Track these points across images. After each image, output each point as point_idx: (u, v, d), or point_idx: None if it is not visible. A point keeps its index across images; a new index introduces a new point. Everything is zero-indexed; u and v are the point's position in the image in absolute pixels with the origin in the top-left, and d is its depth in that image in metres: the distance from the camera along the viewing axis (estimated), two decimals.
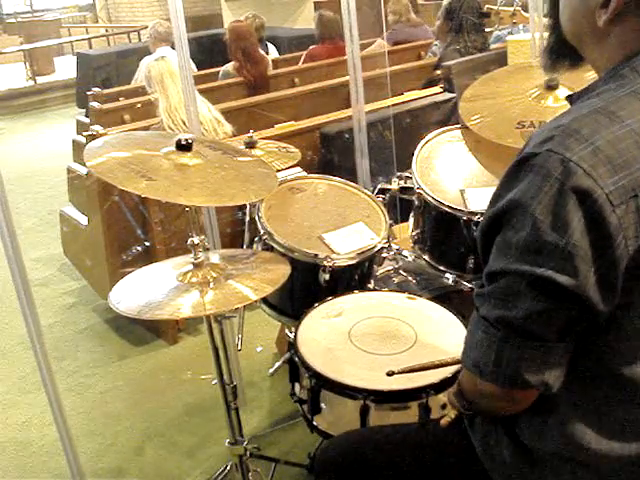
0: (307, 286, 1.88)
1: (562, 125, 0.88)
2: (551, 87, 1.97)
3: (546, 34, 1.11)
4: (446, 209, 1.93)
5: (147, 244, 2.95)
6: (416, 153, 2.11)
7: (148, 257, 2.90)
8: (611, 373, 0.93)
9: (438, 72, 4.13)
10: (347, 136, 3.11)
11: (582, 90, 1.00)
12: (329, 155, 3.29)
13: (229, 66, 4.53)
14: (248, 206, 2.17)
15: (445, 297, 1.99)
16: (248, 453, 1.81)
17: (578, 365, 0.94)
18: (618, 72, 0.94)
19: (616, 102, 0.89)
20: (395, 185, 2.16)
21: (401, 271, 2.21)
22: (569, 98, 1.03)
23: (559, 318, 0.88)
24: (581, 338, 0.92)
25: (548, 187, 0.84)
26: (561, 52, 1.06)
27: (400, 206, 2.28)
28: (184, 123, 2.95)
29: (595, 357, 0.94)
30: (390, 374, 1.41)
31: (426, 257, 2.07)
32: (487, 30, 4.44)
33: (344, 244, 1.92)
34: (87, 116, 4.48)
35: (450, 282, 2.02)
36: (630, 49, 0.93)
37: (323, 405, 1.50)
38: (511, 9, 3.38)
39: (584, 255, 0.84)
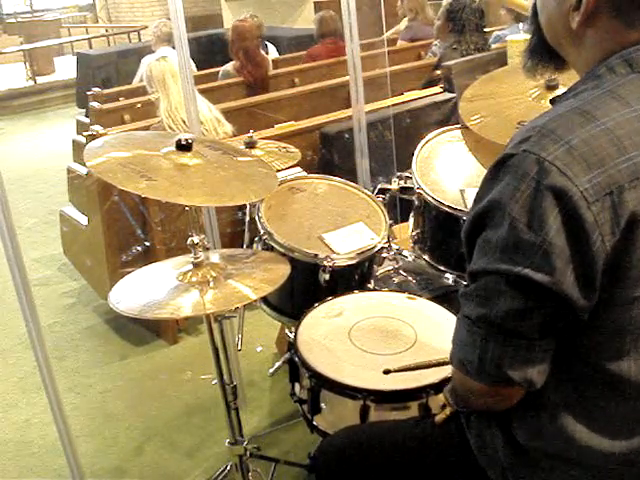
0: (307, 286, 1.88)
1: (538, 126, 0.89)
2: (551, 87, 1.97)
3: None
4: (446, 209, 1.93)
5: (147, 244, 2.95)
6: (416, 153, 2.11)
7: (148, 257, 2.90)
8: (598, 369, 0.94)
9: (438, 72, 4.13)
10: (347, 136, 3.11)
11: (564, 92, 1.02)
12: (329, 155, 3.29)
13: (229, 66, 4.53)
14: (248, 206, 2.17)
15: (445, 297, 1.99)
16: (248, 453, 1.81)
17: (565, 362, 0.95)
18: (595, 73, 0.95)
19: (591, 102, 0.90)
20: (395, 185, 2.16)
21: (401, 271, 2.21)
22: (552, 101, 1.05)
23: (539, 315, 0.90)
24: (566, 335, 0.93)
25: (525, 187, 0.86)
26: (544, 55, 1.07)
27: (400, 206, 2.28)
28: (184, 123, 2.95)
29: (581, 354, 0.94)
30: (387, 372, 1.42)
31: (426, 257, 2.07)
32: (487, 30, 4.44)
33: (344, 244, 1.92)
34: (87, 116, 4.48)
35: (450, 282, 2.02)
36: (606, 49, 0.95)
37: (323, 405, 1.50)
38: None
39: (560, 253, 0.85)
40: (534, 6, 1.05)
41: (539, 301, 0.88)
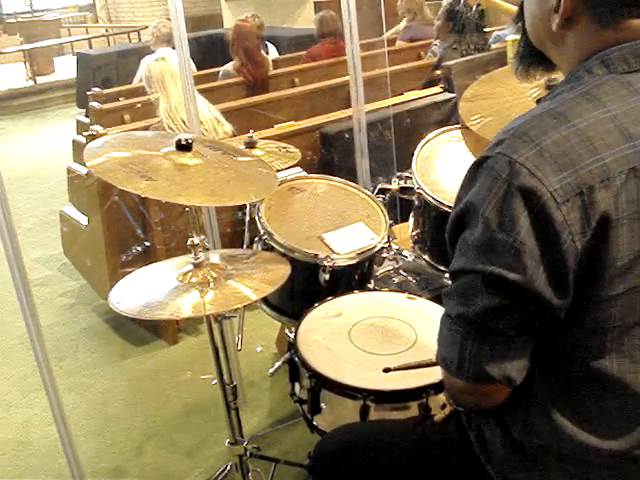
0: (307, 286, 1.88)
1: (513, 128, 0.92)
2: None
3: None
4: (446, 209, 1.93)
5: (147, 244, 2.95)
6: (416, 153, 2.11)
7: (148, 257, 2.90)
8: (581, 367, 0.95)
9: (438, 72, 4.13)
10: (347, 136, 3.11)
11: (547, 94, 1.03)
12: (329, 155, 3.28)
13: (229, 66, 4.53)
14: (248, 206, 2.17)
15: None
16: (248, 453, 1.81)
17: (550, 359, 0.96)
18: (575, 74, 0.96)
19: (566, 103, 0.92)
20: (395, 185, 2.16)
21: (401, 271, 2.21)
22: (538, 102, 1.06)
23: (515, 313, 0.91)
24: (547, 333, 0.94)
25: (496, 188, 0.88)
26: (533, 58, 1.08)
27: (400, 206, 2.28)
28: (184, 123, 2.95)
29: (565, 351, 0.95)
30: (386, 371, 1.42)
31: (426, 257, 2.07)
32: (487, 30, 4.44)
33: (344, 244, 1.92)
34: (87, 116, 4.48)
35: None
36: (585, 51, 0.96)
37: (323, 405, 1.50)
38: None
39: (531, 252, 0.87)
40: (520, 9, 1.06)
41: (514, 299, 0.90)
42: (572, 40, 0.97)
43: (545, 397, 0.98)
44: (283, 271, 1.59)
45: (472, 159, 2.30)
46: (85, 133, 3.10)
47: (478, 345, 0.94)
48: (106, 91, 4.80)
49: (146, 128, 3.26)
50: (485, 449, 1.10)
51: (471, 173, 0.95)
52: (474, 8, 3.44)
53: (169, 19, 2.22)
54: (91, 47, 9.86)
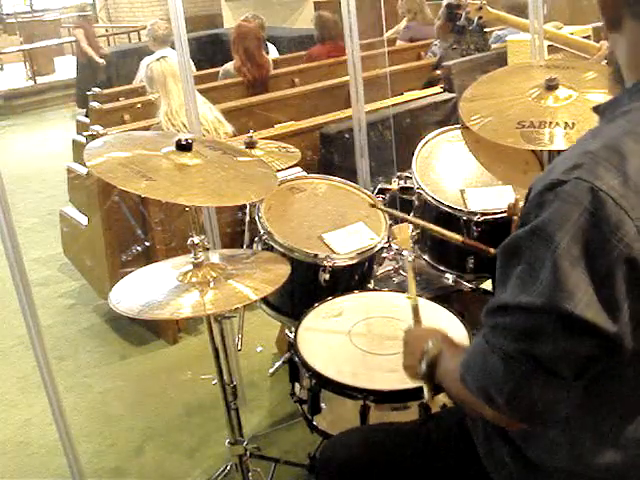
0: (307, 286, 1.88)
1: (591, 152, 0.83)
2: (551, 87, 1.96)
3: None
4: (446, 209, 1.93)
5: (147, 244, 2.95)
6: (416, 153, 2.11)
7: (148, 257, 2.90)
8: (623, 396, 0.90)
9: (438, 72, 4.13)
10: (347, 136, 3.11)
11: (610, 102, 0.94)
12: (329, 155, 3.28)
13: (229, 65, 4.53)
14: (248, 206, 2.17)
15: (445, 297, 1.99)
16: (248, 453, 1.81)
17: (591, 389, 0.90)
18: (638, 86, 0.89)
19: None
20: (395, 185, 2.16)
21: (401, 271, 2.21)
22: (596, 109, 0.97)
23: (583, 356, 0.84)
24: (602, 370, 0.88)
25: (577, 217, 0.80)
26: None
27: (400, 206, 2.28)
28: (184, 126, 2.94)
29: (608, 382, 0.90)
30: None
31: (426, 257, 2.07)
32: (487, 30, 4.44)
33: (344, 244, 1.92)
34: (87, 116, 4.48)
35: (450, 282, 2.02)
36: None
37: (323, 405, 1.50)
38: (478, 2, 3.30)
39: (615, 290, 0.80)
40: None
41: (588, 341, 0.82)
42: (623, 44, 0.90)
43: (579, 425, 0.93)
44: (283, 271, 1.59)
45: (472, 159, 2.31)
46: (85, 133, 3.11)
47: (542, 387, 0.86)
48: (106, 91, 4.80)
49: (146, 128, 3.26)
50: (492, 458, 1.08)
51: (540, 197, 0.84)
52: (475, 21, 3.44)
53: (168, 19, 2.22)
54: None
